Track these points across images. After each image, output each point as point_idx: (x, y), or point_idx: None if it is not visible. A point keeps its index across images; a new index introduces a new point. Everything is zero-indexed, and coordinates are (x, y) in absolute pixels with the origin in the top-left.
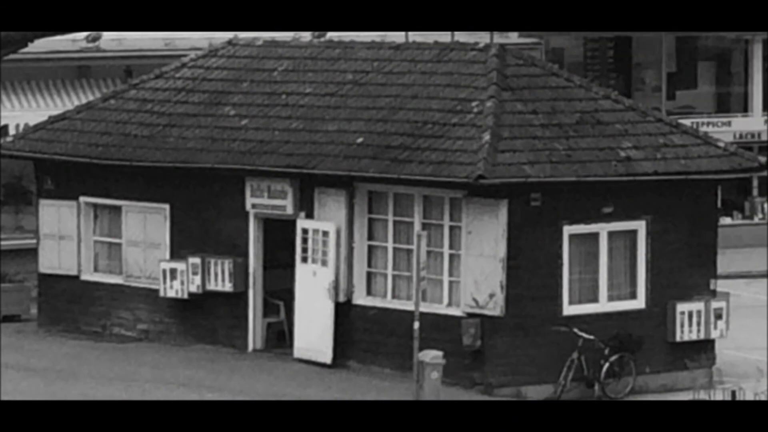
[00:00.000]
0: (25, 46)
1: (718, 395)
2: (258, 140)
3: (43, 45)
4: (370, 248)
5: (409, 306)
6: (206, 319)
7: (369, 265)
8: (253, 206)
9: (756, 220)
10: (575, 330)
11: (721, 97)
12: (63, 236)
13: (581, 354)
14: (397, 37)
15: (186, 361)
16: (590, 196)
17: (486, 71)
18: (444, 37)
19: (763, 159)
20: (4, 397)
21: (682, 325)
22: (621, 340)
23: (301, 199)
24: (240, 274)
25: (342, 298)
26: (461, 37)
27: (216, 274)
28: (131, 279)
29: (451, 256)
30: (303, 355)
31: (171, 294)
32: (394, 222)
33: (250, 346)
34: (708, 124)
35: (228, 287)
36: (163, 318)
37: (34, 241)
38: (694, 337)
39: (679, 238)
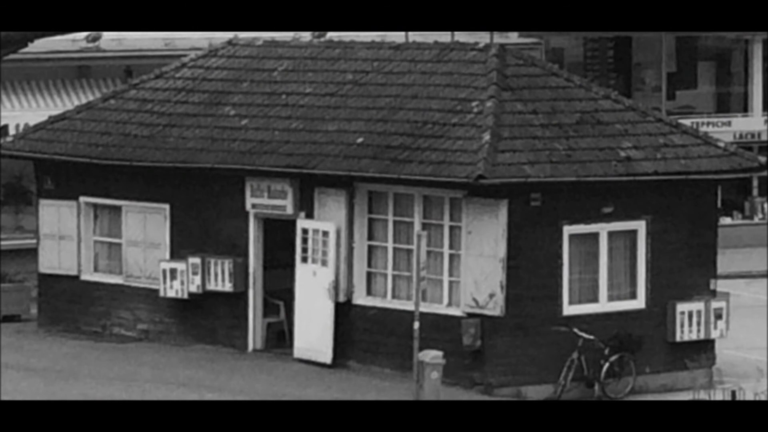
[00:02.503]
0: (25, 46)
1: (718, 395)
2: (258, 140)
3: (43, 45)
4: (370, 248)
5: (409, 306)
6: (206, 319)
7: (369, 265)
8: (253, 206)
9: (756, 220)
10: (575, 330)
11: (721, 97)
12: (63, 236)
13: (581, 354)
14: (397, 37)
15: (186, 361)
16: (590, 196)
17: (486, 71)
18: (444, 37)
19: (763, 159)
20: (4, 397)
21: (682, 325)
22: (621, 340)
23: (301, 199)
24: (240, 274)
25: (342, 298)
26: (461, 37)
27: (216, 274)
28: (131, 279)
29: (451, 256)
30: (303, 355)
31: (171, 294)
32: (394, 222)
33: (250, 346)
34: (708, 124)
35: (228, 287)
36: (163, 318)
37: (34, 241)
38: (694, 337)
39: (679, 238)
